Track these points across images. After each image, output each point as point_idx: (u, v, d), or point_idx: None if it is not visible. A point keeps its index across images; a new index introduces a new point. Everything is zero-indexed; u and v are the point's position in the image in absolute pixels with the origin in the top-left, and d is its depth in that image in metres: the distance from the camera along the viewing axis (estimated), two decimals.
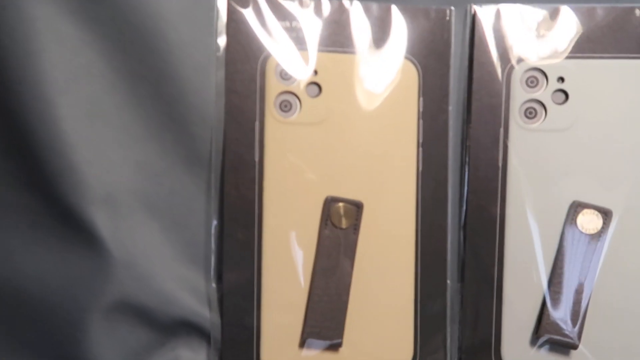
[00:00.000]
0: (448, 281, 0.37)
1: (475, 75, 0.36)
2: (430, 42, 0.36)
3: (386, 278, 0.36)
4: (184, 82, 0.34)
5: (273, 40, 0.35)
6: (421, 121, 0.36)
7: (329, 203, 0.35)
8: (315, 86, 0.35)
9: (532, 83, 0.36)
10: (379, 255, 0.36)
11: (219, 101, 0.34)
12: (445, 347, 0.37)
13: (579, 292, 0.35)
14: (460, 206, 0.37)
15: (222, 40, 0.34)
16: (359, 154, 0.35)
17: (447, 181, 0.37)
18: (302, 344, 0.35)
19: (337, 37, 0.35)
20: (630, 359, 0.35)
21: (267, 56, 0.35)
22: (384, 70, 0.36)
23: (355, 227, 0.35)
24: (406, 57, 0.36)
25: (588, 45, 0.35)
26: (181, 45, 0.34)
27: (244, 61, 0.35)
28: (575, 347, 0.35)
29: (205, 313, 0.35)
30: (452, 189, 0.37)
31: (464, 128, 0.37)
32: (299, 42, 0.35)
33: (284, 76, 0.35)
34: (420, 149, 0.37)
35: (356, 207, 0.35)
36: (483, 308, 0.36)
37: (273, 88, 0.35)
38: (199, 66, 0.34)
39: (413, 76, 0.36)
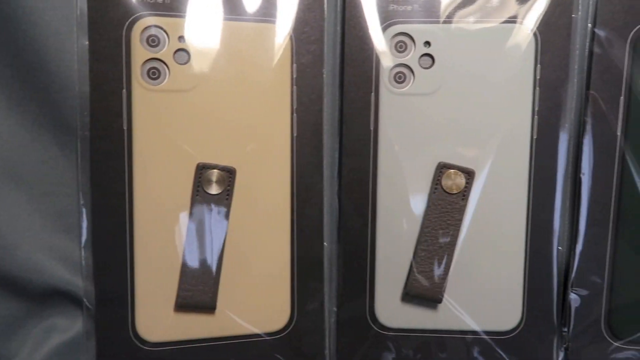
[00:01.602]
0: (325, 243, 0.39)
1: (348, 40, 0.37)
2: (304, 9, 0.36)
3: (262, 242, 0.37)
4: (45, 50, 0.33)
5: (138, 5, 0.34)
6: (295, 87, 0.37)
7: (200, 170, 0.35)
8: (184, 53, 0.35)
9: (400, 48, 0.37)
10: (254, 220, 0.36)
11: (82, 69, 0.34)
12: (322, 308, 0.38)
13: (444, 248, 0.37)
14: (334, 170, 0.38)
15: (83, 4, 0.34)
16: (231, 121, 0.36)
17: (322, 146, 0.38)
18: (176, 310, 0.36)
19: (207, 4, 0.35)
20: (492, 306, 0.37)
21: (133, 22, 0.34)
22: (257, 37, 0.36)
23: (228, 193, 0.36)
24: (278, 24, 0.36)
25: (455, 11, 0.37)
26: (39, 11, 0.33)
27: (108, 27, 0.34)
28: (439, 300, 0.37)
29: (79, 282, 0.35)
30: (328, 154, 0.38)
31: (340, 93, 0.38)
32: (166, 7, 0.35)
33: (151, 43, 0.35)
34: (295, 115, 0.37)
35: (228, 173, 0.36)
36: (358, 268, 0.38)
37: (139, 55, 0.34)
38: (59, 32, 0.33)
39: (286, 43, 0.36)
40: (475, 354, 0.38)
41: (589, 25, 0.36)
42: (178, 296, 0.35)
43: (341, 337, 0.38)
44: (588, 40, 0.36)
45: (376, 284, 0.38)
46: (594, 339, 0.38)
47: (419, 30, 0.37)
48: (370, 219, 0.38)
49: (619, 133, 0.36)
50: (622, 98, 0.36)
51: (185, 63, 0.35)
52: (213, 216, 0.35)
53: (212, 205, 0.35)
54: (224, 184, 0.36)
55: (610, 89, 0.36)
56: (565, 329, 0.38)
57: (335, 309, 0.38)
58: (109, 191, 0.35)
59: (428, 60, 0.37)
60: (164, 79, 0.35)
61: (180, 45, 0.35)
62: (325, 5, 0.37)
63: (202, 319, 0.36)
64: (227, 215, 0.36)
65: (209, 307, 0.35)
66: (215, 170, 0.35)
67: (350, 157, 0.38)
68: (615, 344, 0.37)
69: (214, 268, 0.35)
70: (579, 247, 0.37)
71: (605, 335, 0.37)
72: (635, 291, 0.37)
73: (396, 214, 0.38)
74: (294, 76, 0.37)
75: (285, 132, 0.37)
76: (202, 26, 0.35)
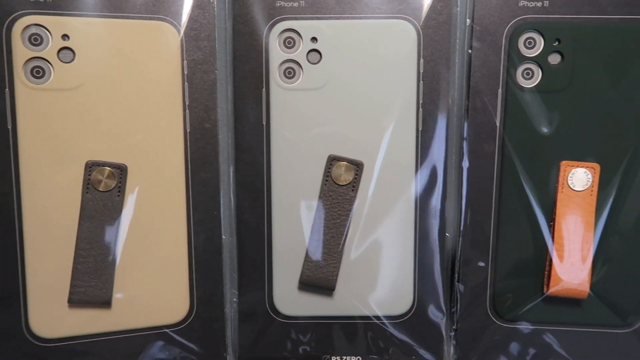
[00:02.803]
0: (223, 236, 0.39)
1: (237, 37, 0.37)
2: (194, 6, 0.37)
3: (158, 237, 0.37)
4: None
5: (19, 3, 0.34)
6: (186, 84, 0.38)
7: (90, 168, 0.36)
8: (69, 51, 0.35)
9: (289, 44, 0.38)
10: (149, 215, 0.37)
11: None
12: (222, 299, 0.39)
13: (335, 238, 0.38)
14: (230, 164, 0.39)
15: None
16: (121, 119, 0.36)
17: (216, 141, 0.38)
18: (71, 306, 0.36)
19: (88, 2, 0.35)
20: (385, 292, 0.39)
21: (13, 21, 0.34)
22: (145, 35, 0.36)
23: (119, 189, 0.36)
24: (167, 21, 0.37)
25: (341, 7, 0.37)
26: None
27: None
28: (332, 288, 0.38)
29: None
30: (223, 148, 0.39)
31: (232, 89, 0.39)
32: (49, 6, 0.35)
33: (33, 41, 0.35)
34: (187, 111, 0.38)
35: (119, 170, 0.36)
36: (256, 259, 0.39)
37: (21, 54, 0.34)
38: None
39: (175, 40, 0.37)
40: (370, 338, 0.40)
41: (468, 20, 0.38)
42: (71, 292, 0.35)
43: (242, 326, 0.39)
44: (467, 34, 0.38)
45: (274, 274, 0.39)
46: (481, 319, 0.39)
47: (305, 26, 0.37)
48: (265, 211, 0.39)
49: (498, 124, 0.38)
50: (500, 90, 0.38)
51: (70, 61, 0.35)
52: (106, 213, 0.36)
53: (104, 202, 0.36)
54: (115, 181, 0.36)
55: (489, 81, 0.38)
56: (454, 311, 0.40)
57: (235, 299, 0.40)
58: None
59: (316, 55, 0.38)
60: (49, 77, 0.35)
61: (64, 44, 0.35)
62: (215, 2, 0.38)
63: (98, 313, 0.36)
64: (119, 211, 0.36)
65: (103, 302, 0.36)
66: (105, 167, 0.36)
67: (244, 151, 0.39)
68: (500, 323, 0.40)
69: (108, 263, 0.36)
70: (464, 234, 0.39)
71: (491, 315, 0.40)
72: (516, 274, 0.39)
73: (290, 206, 0.39)
74: (185, 72, 0.37)
75: (177, 128, 0.37)
76: (87, 24, 0.35)
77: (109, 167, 0.36)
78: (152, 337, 0.38)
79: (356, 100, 0.38)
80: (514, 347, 0.39)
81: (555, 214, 0.38)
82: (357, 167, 0.38)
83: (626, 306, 0.39)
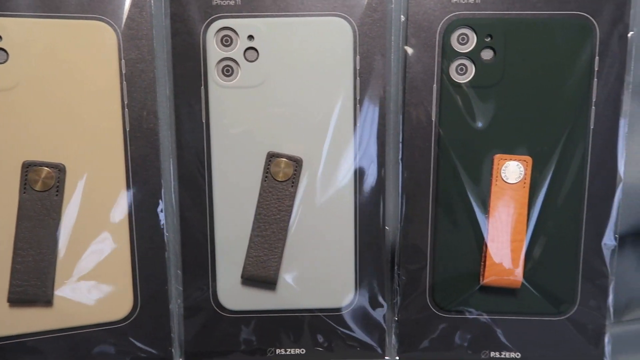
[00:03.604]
0: (166, 233, 0.40)
1: (175, 36, 0.38)
2: (131, 5, 0.37)
3: (99, 234, 0.37)
4: None
5: None
6: (125, 83, 0.38)
7: (27, 167, 0.36)
8: (3, 52, 0.35)
9: (226, 42, 0.38)
10: (90, 214, 0.37)
11: None
12: (166, 296, 0.40)
13: (276, 233, 0.39)
14: (170, 162, 0.39)
15: None
16: (58, 118, 0.36)
17: (157, 139, 0.39)
18: (11, 305, 0.36)
19: (22, 2, 0.35)
20: (326, 285, 0.40)
21: None
22: (81, 34, 0.36)
23: (57, 189, 0.36)
24: (104, 21, 0.37)
25: (277, 4, 0.38)
26: None
27: None
28: (274, 283, 0.39)
29: None
30: (165, 147, 0.39)
31: (172, 87, 0.39)
32: None
33: None
34: (127, 109, 0.38)
35: (57, 170, 0.36)
36: (199, 255, 0.39)
37: None
38: None
39: (112, 39, 0.37)
40: (314, 331, 0.41)
41: (402, 17, 0.38)
42: (10, 292, 0.36)
43: (187, 321, 0.40)
44: (402, 31, 0.39)
45: (217, 269, 0.40)
46: (421, 310, 0.41)
47: (241, 24, 0.38)
48: (207, 208, 0.39)
49: (433, 118, 0.39)
50: (434, 86, 0.39)
51: (4, 62, 0.35)
52: (44, 212, 0.36)
53: (42, 202, 0.36)
54: (53, 181, 0.36)
55: (424, 77, 0.38)
56: (395, 302, 0.41)
57: (180, 295, 0.40)
58: None
59: (253, 53, 0.38)
60: None
61: None
62: (152, 1, 0.38)
63: (40, 312, 0.37)
64: (59, 211, 0.36)
65: (43, 301, 0.36)
66: (43, 167, 0.36)
67: (185, 149, 0.39)
68: (440, 313, 0.41)
69: (47, 262, 0.36)
70: (403, 227, 0.40)
71: (430, 306, 0.41)
72: (454, 265, 0.40)
73: (231, 203, 0.39)
74: (124, 72, 0.38)
75: (117, 127, 0.38)
76: (21, 24, 0.35)
77: (47, 167, 0.36)
78: (96, 334, 0.39)
79: (294, 97, 0.38)
80: (453, 336, 0.40)
81: (490, 206, 0.39)
82: (296, 163, 0.39)
83: (559, 295, 0.40)
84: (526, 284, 0.39)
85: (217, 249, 0.39)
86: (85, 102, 0.36)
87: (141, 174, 0.38)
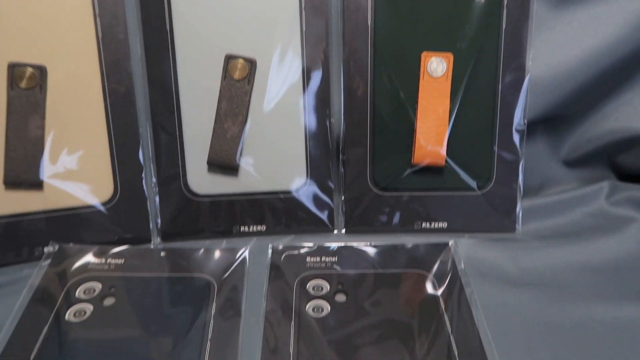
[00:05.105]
0: (140, 127, 0.45)
1: None
2: None
3: (79, 127, 0.43)
4: None
5: None
6: None
7: (12, 68, 0.40)
8: None
9: None
10: (70, 107, 0.42)
11: None
12: (141, 183, 0.45)
13: (236, 125, 0.45)
14: (141, 66, 0.44)
15: None
16: (40, 26, 0.41)
17: (127, 45, 0.43)
18: (7, 187, 0.42)
19: None
20: (279, 169, 0.46)
21: None
22: None
23: (40, 87, 0.41)
24: None
25: None
26: None
27: None
28: (235, 168, 0.45)
29: None
30: (133, 52, 0.44)
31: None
32: None
33: None
34: (98, 19, 0.43)
35: (39, 70, 0.41)
36: (171, 147, 0.45)
37: None
38: None
39: None
40: (273, 211, 0.47)
41: None
42: (5, 175, 0.41)
43: (162, 205, 0.46)
44: None
45: (186, 159, 0.46)
46: (363, 190, 0.47)
47: None
48: (175, 105, 0.45)
49: (369, 22, 0.44)
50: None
51: None
52: (29, 107, 0.41)
53: (28, 98, 0.41)
54: (37, 80, 0.41)
55: (359, 40, 0.44)
56: (342, 184, 0.48)
57: (155, 181, 0.46)
58: None
59: None
60: None
61: None
62: None
63: (29, 195, 0.42)
64: (42, 106, 0.41)
65: (33, 184, 0.42)
66: (27, 67, 0.41)
67: (151, 52, 0.44)
68: (379, 192, 0.47)
69: (36, 150, 0.41)
70: (345, 118, 0.46)
71: (371, 186, 0.47)
72: (389, 151, 0.46)
73: (196, 100, 0.45)
74: None
75: (90, 33, 0.42)
76: None
77: (30, 67, 0.41)
78: (82, 216, 0.44)
79: (248, 3, 0.43)
80: (392, 210, 0.48)
81: (418, 98, 0.45)
82: (251, 63, 0.44)
83: (477, 173, 0.47)
84: (450, 162, 0.46)
85: (185, 140, 0.45)
86: (61, 13, 0.41)
87: (114, 77, 0.44)
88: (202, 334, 0.36)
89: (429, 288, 0.40)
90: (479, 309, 0.39)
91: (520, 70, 0.46)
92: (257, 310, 0.39)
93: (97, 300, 0.38)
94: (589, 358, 0.36)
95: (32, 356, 0.33)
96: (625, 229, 0.48)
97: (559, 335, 0.38)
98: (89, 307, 0.37)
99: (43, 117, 0.42)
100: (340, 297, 0.40)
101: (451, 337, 0.36)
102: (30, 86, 0.41)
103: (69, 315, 0.37)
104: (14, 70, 0.41)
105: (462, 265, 0.43)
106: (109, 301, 0.38)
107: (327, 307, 0.39)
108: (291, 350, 0.35)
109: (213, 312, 0.38)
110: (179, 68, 0.44)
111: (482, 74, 0.46)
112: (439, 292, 0.40)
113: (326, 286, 0.41)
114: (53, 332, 0.35)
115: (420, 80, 0.45)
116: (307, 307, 0.39)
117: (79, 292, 0.39)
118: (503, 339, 0.37)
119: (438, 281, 0.41)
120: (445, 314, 0.38)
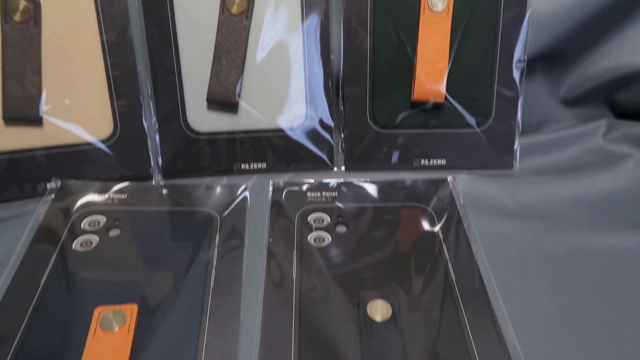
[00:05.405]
0: (139, 67, 0.45)
1: None
2: None
3: (76, 64, 0.42)
4: None
5: None
6: None
7: (5, 1, 0.40)
8: None
9: None
10: (68, 44, 0.42)
11: None
12: (141, 121, 0.45)
13: (235, 60, 0.44)
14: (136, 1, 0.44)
15: None
16: None
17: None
18: (7, 124, 0.42)
19: None
20: (279, 107, 0.46)
21: None
22: None
23: (35, 21, 0.41)
24: None
25: None
26: None
27: None
28: (235, 105, 0.45)
29: None
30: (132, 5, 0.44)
31: None
32: None
33: None
34: None
35: (33, 3, 0.40)
36: (170, 86, 0.45)
37: None
38: None
39: None
40: (273, 148, 0.47)
41: None
42: (4, 111, 0.41)
43: (162, 143, 0.46)
44: None
45: (185, 97, 0.45)
46: (363, 128, 0.48)
47: None
48: (172, 41, 0.44)
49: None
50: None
51: None
52: (24, 41, 0.40)
53: (22, 32, 0.40)
54: (31, 13, 0.40)
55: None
56: (341, 121, 0.48)
57: (155, 119, 0.46)
58: None
59: None
60: None
61: None
62: None
63: (29, 132, 0.42)
64: (37, 39, 0.41)
65: (32, 119, 0.42)
66: (20, 0, 0.40)
67: (149, 15, 0.43)
68: (378, 130, 0.48)
69: (33, 86, 0.41)
70: (345, 55, 0.46)
71: (370, 124, 0.47)
72: (389, 88, 0.46)
73: (194, 36, 0.44)
74: None
75: None
76: None
77: (24, 0, 0.40)
78: (83, 153, 0.44)
79: None
80: (391, 148, 0.48)
81: (419, 33, 0.45)
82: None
83: (477, 110, 0.47)
84: (449, 98, 0.46)
85: (184, 78, 0.45)
86: None
87: (110, 12, 0.43)
88: (206, 264, 0.37)
89: (428, 220, 0.41)
90: (477, 239, 0.40)
91: (521, 5, 0.45)
92: (260, 241, 0.40)
93: (102, 232, 0.39)
94: (582, 283, 0.38)
95: (42, 282, 0.34)
96: (621, 165, 0.49)
97: (554, 262, 0.39)
98: (94, 238, 0.38)
99: (39, 52, 0.41)
100: (341, 229, 0.41)
101: (449, 266, 0.37)
102: (24, 19, 0.40)
103: (75, 245, 0.38)
104: (7, 3, 0.40)
105: (461, 200, 0.44)
106: (114, 232, 0.39)
107: (328, 238, 0.40)
108: (294, 277, 0.36)
109: (217, 242, 0.39)
110: (175, 1, 0.43)
111: (483, 9, 0.45)
112: (438, 224, 0.41)
113: (327, 219, 0.42)
114: (61, 261, 0.36)
115: (421, 15, 0.44)
116: (308, 238, 0.40)
117: (84, 224, 0.39)
118: (500, 267, 0.38)
119: (437, 214, 0.42)
120: (443, 244, 0.39)
